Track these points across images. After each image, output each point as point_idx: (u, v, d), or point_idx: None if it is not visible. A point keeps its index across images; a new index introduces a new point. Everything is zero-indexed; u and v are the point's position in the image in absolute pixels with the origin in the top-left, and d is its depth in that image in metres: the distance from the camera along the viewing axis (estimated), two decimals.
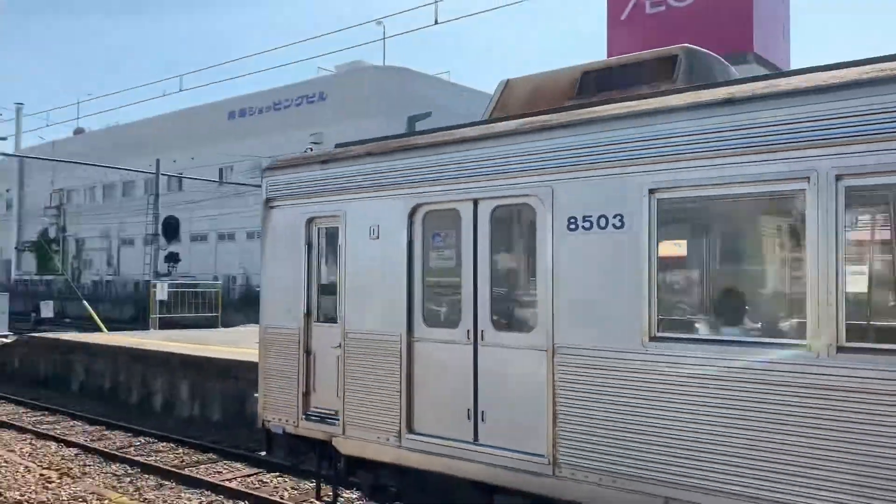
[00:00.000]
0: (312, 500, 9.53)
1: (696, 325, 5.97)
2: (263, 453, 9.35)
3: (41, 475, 10.60)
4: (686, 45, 6.75)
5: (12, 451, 12.48)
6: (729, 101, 5.28)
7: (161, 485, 10.60)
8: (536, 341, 6.19)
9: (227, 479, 10.76)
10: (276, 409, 8.47)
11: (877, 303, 5.35)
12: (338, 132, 28.61)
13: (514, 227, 7.07)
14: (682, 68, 6.47)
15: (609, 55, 29.46)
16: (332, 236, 8.07)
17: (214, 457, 12.29)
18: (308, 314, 8.22)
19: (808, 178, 4.88)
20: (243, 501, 9.81)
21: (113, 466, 11.60)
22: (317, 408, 8.07)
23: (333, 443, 7.80)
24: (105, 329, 27.28)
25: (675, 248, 6.10)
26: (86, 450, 12.62)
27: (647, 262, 5.56)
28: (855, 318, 4.97)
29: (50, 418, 15.83)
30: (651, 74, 6.56)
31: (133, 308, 43.17)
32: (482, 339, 6.63)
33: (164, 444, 13.24)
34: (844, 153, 4.77)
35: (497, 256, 6.82)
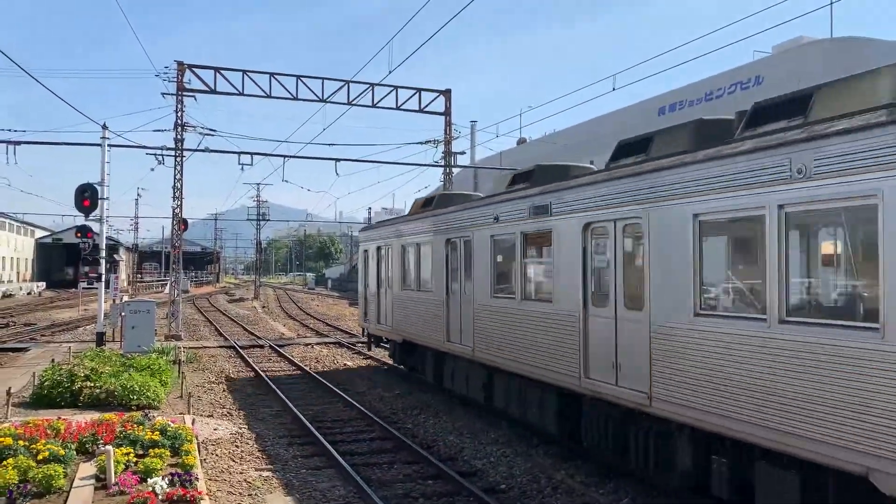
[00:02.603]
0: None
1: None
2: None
3: None
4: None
5: None
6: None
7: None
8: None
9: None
10: (363, 319, 22.48)
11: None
12: None
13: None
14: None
15: None
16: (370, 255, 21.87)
17: None
18: (365, 285, 22.01)
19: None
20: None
21: None
22: (367, 318, 21.87)
23: (368, 329, 21.58)
24: None
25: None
26: None
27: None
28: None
29: None
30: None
31: None
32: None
33: None
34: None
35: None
